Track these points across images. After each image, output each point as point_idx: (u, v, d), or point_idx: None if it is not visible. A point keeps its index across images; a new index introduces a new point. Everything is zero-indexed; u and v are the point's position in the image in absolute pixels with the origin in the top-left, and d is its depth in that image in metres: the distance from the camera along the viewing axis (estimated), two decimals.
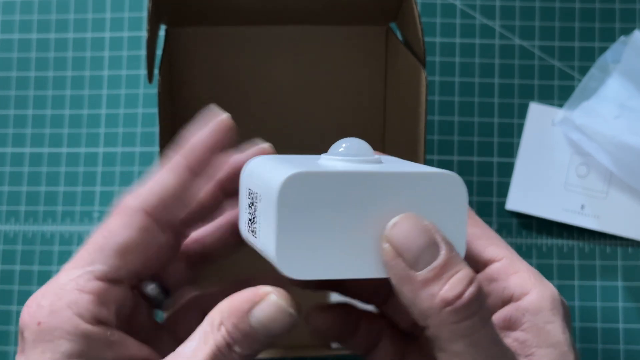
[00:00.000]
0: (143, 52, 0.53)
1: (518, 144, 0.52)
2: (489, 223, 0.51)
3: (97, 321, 0.26)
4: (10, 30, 0.54)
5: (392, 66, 0.46)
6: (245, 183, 0.29)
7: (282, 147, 0.47)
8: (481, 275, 0.29)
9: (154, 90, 0.53)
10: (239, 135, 0.47)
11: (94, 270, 0.27)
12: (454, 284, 0.24)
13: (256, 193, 0.26)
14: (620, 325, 0.50)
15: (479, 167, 0.52)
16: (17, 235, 0.52)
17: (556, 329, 0.27)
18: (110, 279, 0.27)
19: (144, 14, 0.54)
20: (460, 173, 0.52)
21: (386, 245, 0.25)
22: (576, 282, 0.51)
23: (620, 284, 0.51)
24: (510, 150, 0.52)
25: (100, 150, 0.53)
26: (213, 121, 0.30)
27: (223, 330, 0.26)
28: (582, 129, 0.50)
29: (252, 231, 0.27)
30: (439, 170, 0.26)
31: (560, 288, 0.50)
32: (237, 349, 0.26)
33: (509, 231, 0.51)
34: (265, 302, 0.26)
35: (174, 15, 0.44)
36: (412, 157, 0.41)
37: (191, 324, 0.30)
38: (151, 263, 0.29)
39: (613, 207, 0.50)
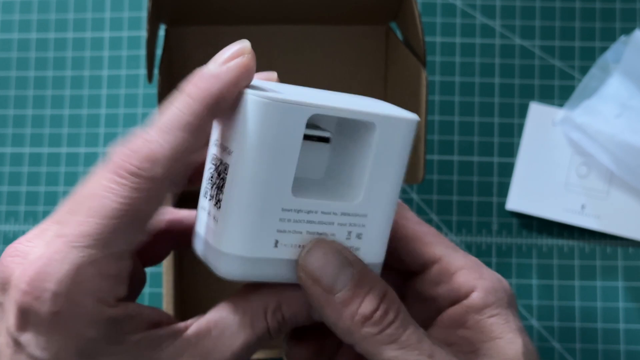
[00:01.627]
0: (143, 52, 0.53)
1: (518, 143, 0.52)
2: (489, 223, 0.51)
3: (118, 301, 0.25)
4: (10, 30, 0.54)
5: (392, 66, 0.46)
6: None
7: None
8: (424, 278, 0.29)
9: (153, 90, 0.53)
10: None
11: (116, 252, 0.24)
12: (370, 300, 0.25)
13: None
14: (621, 326, 0.50)
15: (480, 167, 0.52)
16: (16, 235, 0.52)
17: (499, 321, 0.27)
18: (130, 256, 0.25)
19: (144, 14, 0.53)
20: (460, 173, 0.52)
21: (302, 274, 0.25)
22: (576, 282, 0.51)
23: (620, 284, 0.51)
24: (510, 150, 0.52)
25: (100, 150, 0.53)
26: (238, 62, 0.25)
27: (279, 315, 0.26)
28: (583, 128, 0.50)
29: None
30: None
31: (560, 288, 0.50)
32: (284, 329, 0.27)
33: (509, 231, 0.51)
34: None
35: (174, 15, 0.44)
36: (412, 156, 0.41)
37: (157, 250, 0.30)
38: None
39: (614, 207, 0.50)
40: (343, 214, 0.26)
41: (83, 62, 0.54)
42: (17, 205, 0.53)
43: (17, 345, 0.25)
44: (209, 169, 0.26)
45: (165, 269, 0.44)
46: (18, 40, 0.54)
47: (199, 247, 0.27)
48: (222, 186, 0.25)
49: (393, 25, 0.46)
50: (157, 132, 0.25)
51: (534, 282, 0.51)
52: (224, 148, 0.25)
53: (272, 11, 0.44)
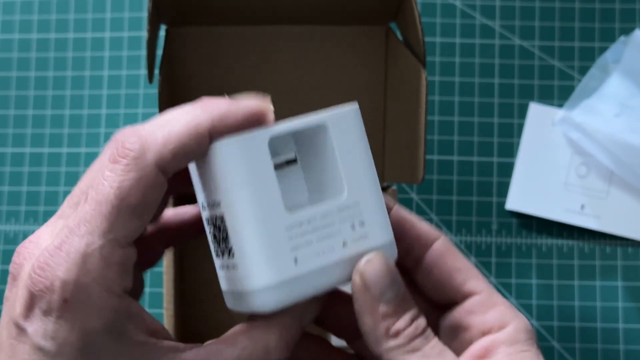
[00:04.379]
0: (143, 52, 0.53)
1: (518, 144, 0.52)
2: (489, 223, 0.51)
3: (124, 291, 0.26)
4: (11, 31, 0.54)
5: (392, 66, 0.46)
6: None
7: None
8: (461, 308, 0.31)
9: (154, 90, 0.53)
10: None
11: (117, 238, 0.25)
12: (405, 319, 0.28)
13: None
14: (620, 325, 0.50)
15: (479, 167, 0.52)
16: (17, 235, 0.52)
17: (530, 356, 0.29)
18: (131, 243, 0.26)
19: (144, 14, 0.54)
20: (460, 173, 0.52)
21: (357, 278, 0.28)
22: (576, 282, 0.51)
23: (620, 284, 0.51)
24: (510, 150, 0.52)
25: (101, 150, 0.53)
26: (255, 102, 0.28)
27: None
28: (582, 127, 0.50)
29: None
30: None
31: (560, 288, 0.50)
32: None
33: (509, 231, 0.51)
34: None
35: (174, 15, 0.44)
36: (412, 157, 0.41)
37: (154, 249, 0.31)
38: (155, 216, 0.29)
39: (613, 207, 0.51)
40: (339, 210, 0.28)
41: (84, 62, 0.54)
42: (17, 205, 0.53)
43: (21, 334, 0.25)
44: (209, 232, 0.28)
45: (165, 268, 0.44)
46: (19, 41, 0.54)
47: (231, 302, 0.29)
48: (227, 236, 0.27)
49: (393, 25, 0.46)
50: (148, 125, 0.26)
51: (534, 281, 0.51)
52: (212, 204, 0.27)
53: (272, 12, 0.44)
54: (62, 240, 0.25)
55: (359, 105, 0.47)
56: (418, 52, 0.40)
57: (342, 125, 0.28)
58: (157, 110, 0.51)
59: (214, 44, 0.46)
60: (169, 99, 0.45)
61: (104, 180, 0.25)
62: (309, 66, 0.47)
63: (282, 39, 0.46)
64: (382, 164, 0.47)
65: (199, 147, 0.26)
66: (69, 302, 0.25)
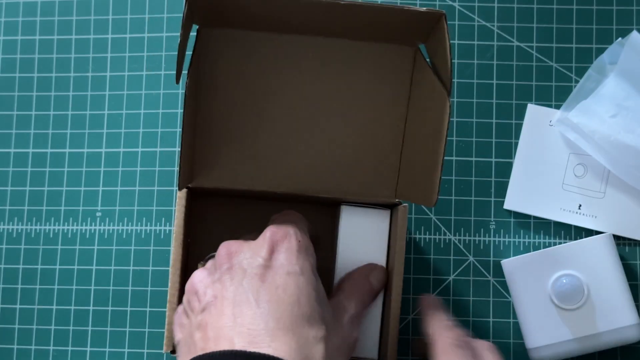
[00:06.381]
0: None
1: (516, 144, 0.52)
2: (487, 222, 0.52)
3: None
4: (15, 33, 0.54)
5: (416, 87, 0.45)
6: None
7: (299, 155, 0.46)
8: None
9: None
10: (259, 138, 0.46)
11: None
12: None
13: None
14: None
15: (478, 167, 0.52)
16: (19, 235, 0.53)
17: None
18: None
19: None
20: (458, 173, 0.53)
21: None
22: None
23: None
24: (508, 150, 0.53)
25: (103, 150, 0.53)
26: None
27: None
28: (579, 128, 0.50)
29: None
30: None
31: None
32: None
33: (507, 230, 0.52)
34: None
35: (207, 16, 0.43)
36: (427, 179, 0.40)
37: None
38: None
39: (610, 206, 0.51)
40: None
41: (86, 63, 0.54)
42: (20, 205, 0.53)
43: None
44: None
45: (172, 262, 0.44)
46: (21, 41, 0.54)
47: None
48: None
49: (422, 47, 0.46)
50: None
51: None
52: None
53: (303, 22, 0.43)
54: None
55: (379, 120, 0.48)
56: (444, 79, 0.40)
57: None
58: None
59: (243, 47, 0.46)
60: (192, 99, 0.44)
61: None
62: (334, 77, 0.46)
63: (311, 49, 0.46)
64: (395, 182, 0.47)
65: None
66: None
